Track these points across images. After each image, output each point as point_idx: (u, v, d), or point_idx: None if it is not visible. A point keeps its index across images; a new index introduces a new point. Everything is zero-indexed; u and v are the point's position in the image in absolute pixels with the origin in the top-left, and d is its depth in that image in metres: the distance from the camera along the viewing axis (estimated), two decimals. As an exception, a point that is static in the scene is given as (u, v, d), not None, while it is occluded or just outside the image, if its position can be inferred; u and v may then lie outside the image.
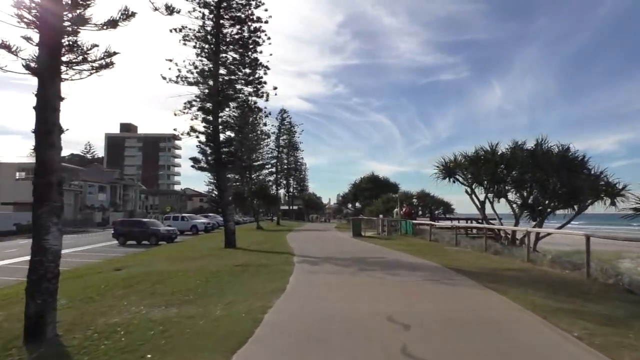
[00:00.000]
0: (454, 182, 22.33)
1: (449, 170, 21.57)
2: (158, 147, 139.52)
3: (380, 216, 35.33)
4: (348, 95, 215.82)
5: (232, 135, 21.74)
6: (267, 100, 21.93)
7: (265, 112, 22.30)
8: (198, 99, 21.02)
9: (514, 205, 20.35)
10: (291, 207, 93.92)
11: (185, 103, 20.89)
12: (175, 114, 21.31)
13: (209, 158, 21.25)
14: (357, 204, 58.74)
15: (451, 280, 9.78)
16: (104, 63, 6.92)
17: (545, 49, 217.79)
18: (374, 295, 8.24)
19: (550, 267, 12.28)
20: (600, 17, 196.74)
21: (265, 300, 7.83)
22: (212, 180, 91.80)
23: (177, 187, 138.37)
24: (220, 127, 21.49)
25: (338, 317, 6.64)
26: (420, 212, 40.75)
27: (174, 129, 20.58)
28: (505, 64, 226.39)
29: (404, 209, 32.66)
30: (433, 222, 26.29)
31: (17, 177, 59.31)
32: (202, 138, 21.35)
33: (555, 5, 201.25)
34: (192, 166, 21.09)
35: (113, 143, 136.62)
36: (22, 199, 51.59)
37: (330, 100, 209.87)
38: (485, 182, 20.52)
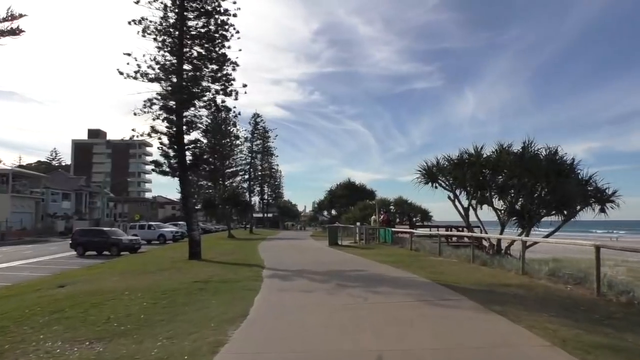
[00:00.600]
0: (435, 187, 21.05)
1: (431, 175, 20.25)
2: (128, 154, 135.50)
3: (358, 224, 33.88)
4: (324, 103, 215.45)
5: (199, 137, 19.91)
6: (236, 99, 20.26)
7: (234, 112, 20.56)
8: (160, 97, 19.20)
9: (500, 212, 19.11)
10: (265, 215, 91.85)
11: (145, 101, 19.05)
12: (135, 114, 19.45)
13: (172, 161, 19.41)
14: (333, 212, 57.26)
15: (447, 300, 8.27)
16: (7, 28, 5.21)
17: (517, 58, 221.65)
18: (357, 322, 6.66)
19: (549, 282, 10.94)
20: (569, 27, 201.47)
21: (219, 332, 6.17)
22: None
23: (148, 195, 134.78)
24: (184, 127, 19.69)
25: (313, 358, 5.04)
26: (397, 220, 39.49)
27: (132, 129, 18.72)
28: (478, 73, 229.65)
29: (382, 217, 31.25)
30: (413, 230, 24.95)
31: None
32: (165, 140, 19.52)
33: (526, 15, 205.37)
34: (154, 170, 19.19)
35: (81, 149, 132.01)
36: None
37: (306, 108, 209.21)
38: (469, 187, 19.24)
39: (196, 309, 8.02)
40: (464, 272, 12.66)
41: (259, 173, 63.66)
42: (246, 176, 58.01)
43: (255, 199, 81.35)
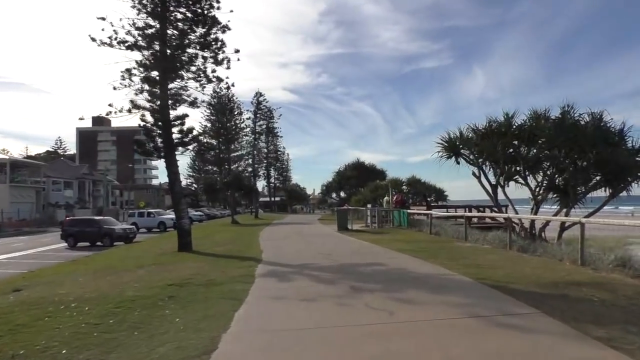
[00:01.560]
0: (458, 162, 18.38)
1: (453, 148, 17.59)
2: (133, 141, 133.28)
3: (369, 206, 31.34)
4: (332, 85, 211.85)
5: (186, 111, 17.36)
6: (228, 67, 17.63)
7: (227, 82, 17.89)
8: (139, 66, 16.63)
9: (537, 189, 16.48)
10: (273, 199, 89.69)
11: (122, 72, 16.49)
12: (114, 88, 16.93)
13: (156, 140, 16.92)
14: (342, 194, 54.76)
15: (512, 316, 5.68)
16: None
17: (527, 35, 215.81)
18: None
19: (626, 276, 8.38)
20: (580, 0, 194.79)
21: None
22: (190, 174, 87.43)
23: (155, 182, 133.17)
24: (170, 101, 17.14)
25: None
26: (410, 201, 36.94)
27: (109, 105, 16.20)
28: (487, 51, 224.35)
29: (395, 197, 28.64)
30: (432, 212, 22.36)
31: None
32: (148, 116, 17.01)
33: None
34: (136, 150, 16.73)
35: (85, 138, 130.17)
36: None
37: (313, 90, 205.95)
38: (500, 161, 16.57)
39: (147, 336, 5.54)
40: (507, 264, 10.11)
41: (264, 155, 61.08)
42: (249, 159, 55.36)
43: (262, 183, 79.32)
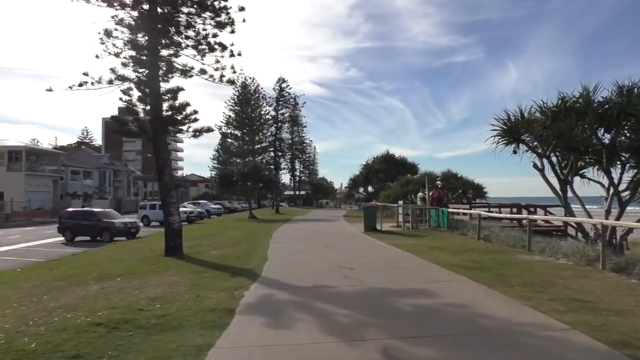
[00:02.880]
0: (514, 152, 14.56)
1: (513, 132, 13.81)
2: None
3: (400, 202, 27.71)
4: (360, 79, 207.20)
5: (181, 85, 14.13)
6: (232, 31, 14.33)
7: (231, 50, 14.50)
8: (122, 26, 13.44)
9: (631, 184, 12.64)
10: (297, 192, 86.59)
11: (101, 33, 13.34)
12: (97, 56, 13.81)
13: (142, 117, 13.72)
14: (370, 188, 51.05)
15: None
16: None
17: (562, 27, 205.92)
18: None
19: None
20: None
21: None
22: (215, 165, 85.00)
23: (181, 173, 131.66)
24: (160, 71, 13.91)
25: None
26: (446, 198, 33.10)
27: (84, 74, 13.06)
28: (520, 44, 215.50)
29: (432, 193, 24.89)
30: (481, 212, 18.55)
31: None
32: (133, 90, 13.83)
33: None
34: (117, 131, 13.58)
35: (111, 128, 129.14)
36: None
37: (342, 84, 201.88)
38: (580, 147, 12.75)
39: None
40: (628, 300, 6.46)
41: (287, 145, 57.76)
42: (271, 149, 52.14)
43: (287, 176, 76.26)
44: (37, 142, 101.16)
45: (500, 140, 14.02)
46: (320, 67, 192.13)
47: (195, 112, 14.22)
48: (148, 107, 13.92)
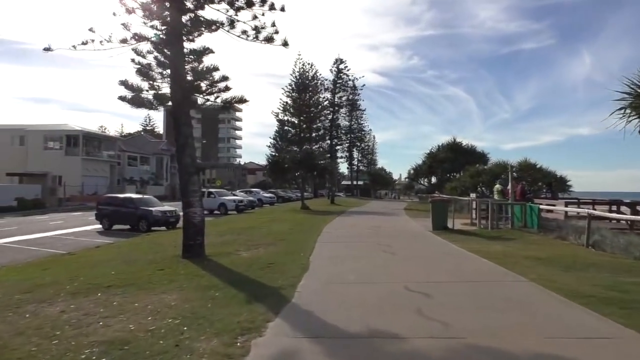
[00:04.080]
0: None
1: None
2: (217, 119, 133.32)
3: (473, 195, 23.94)
4: (423, 68, 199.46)
5: (208, 46, 11.31)
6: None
7: (272, 3, 11.44)
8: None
9: None
10: (355, 183, 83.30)
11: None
12: (114, 14, 11.24)
13: (158, 84, 11.04)
14: (433, 179, 46.94)
15: None
16: None
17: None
18: None
19: None
20: None
21: None
22: (273, 153, 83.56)
23: (239, 161, 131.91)
24: (185, 29, 11.12)
25: None
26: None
27: (90, 29, 10.52)
28: (596, 30, 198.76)
29: (508, 186, 21.00)
30: (591, 210, 14.55)
31: (45, 147, 52.98)
32: (148, 49, 11.17)
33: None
34: (121, 98, 10.93)
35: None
36: (49, 170, 45.21)
37: (404, 74, 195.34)
38: None
39: None
40: None
41: (344, 132, 54.47)
42: (328, 136, 49.08)
43: (344, 166, 73.21)
44: (105, 129, 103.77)
45: (631, 115, 10.15)
46: (381, 56, 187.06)
47: (225, 78, 11.37)
48: (168, 71, 11.22)
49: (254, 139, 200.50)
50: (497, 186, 21.79)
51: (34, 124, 56.43)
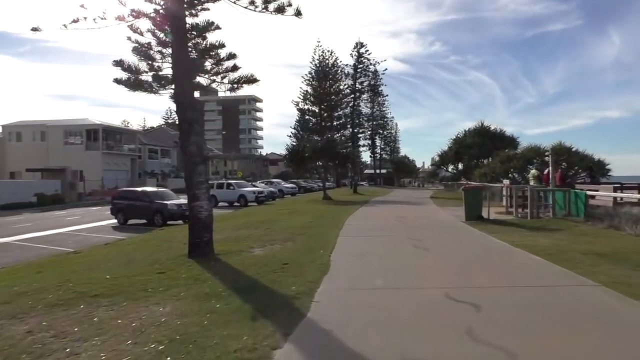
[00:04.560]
0: None
1: None
2: (238, 110, 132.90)
3: (506, 182, 22.35)
4: (445, 53, 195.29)
5: (213, 20, 10.08)
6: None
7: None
8: None
9: None
10: (378, 171, 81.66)
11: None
12: None
13: (158, 65, 9.85)
14: (460, 165, 45.09)
15: None
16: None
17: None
18: None
19: None
20: None
21: None
22: (294, 143, 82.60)
23: (260, 152, 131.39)
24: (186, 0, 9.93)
25: None
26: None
27: (82, 5, 9.39)
28: (626, 9, 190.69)
29: (546, 172, 19.34)
30: None
31: (66, 141, 52.97)
32: (146, 25, 10.01)
33: None
34: (118, 80, 9.80)
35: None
36: (70, 164, 45.05)
37: (426, 60, 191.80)
38: None
39: None
40: None
41: (365, 118, 52.78)
42: (349, 124, 47.56)
43: (366, 154, 71.69)
44: (128, 123, 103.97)
45: None
46: (403, 43, 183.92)
47: (232, 56, 10.14)
48: (169, 50, 10.06)
49: (276, 129, 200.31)
50: (534, 171, 20.22)
51: (54, 119, 56.52)
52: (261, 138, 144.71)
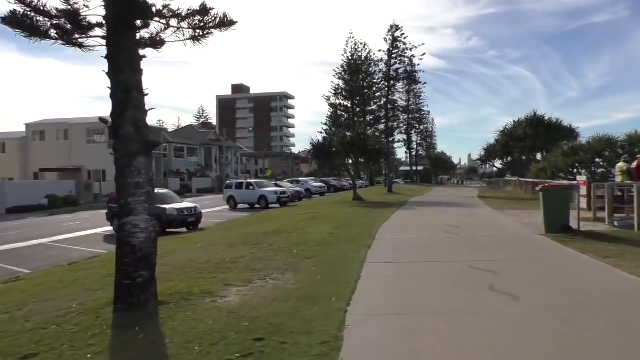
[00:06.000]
0: None
1: None
2: (270, 108, 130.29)
3: (582, 178, 17.93)
4: (483, 48, 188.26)
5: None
6: None
7: None
8: None
9: None
10: (414, 168, 77.05)
11: None
12: None
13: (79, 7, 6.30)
14: (509, 159, 40.22)
15: None
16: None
17: None
18: None
19: None
20: None
21: None
22: (321, 137, 79.13)
23: (292, 150, 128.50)
24: None
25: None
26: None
27: None
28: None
29: (634, 166, 15.01)
30: None
31: (89, 140, 51.02)
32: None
33: None
34: (6, 19, 6.39)
35: (224, 106, 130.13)
36: (91, 164, 42.96)
37: (463, 55, 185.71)
38: None
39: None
40: None
41: (400, 110, 48.39)
42: (382, 115, 43.40)
43: (401, 150, 67.34)
44: (162, 123, 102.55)
45: None
46: (439, 38, 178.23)
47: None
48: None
49: (309, 127, 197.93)
50: (621, 164, 15.84)
51: (77, 117, 54.78)
52: (293, 136, 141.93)
